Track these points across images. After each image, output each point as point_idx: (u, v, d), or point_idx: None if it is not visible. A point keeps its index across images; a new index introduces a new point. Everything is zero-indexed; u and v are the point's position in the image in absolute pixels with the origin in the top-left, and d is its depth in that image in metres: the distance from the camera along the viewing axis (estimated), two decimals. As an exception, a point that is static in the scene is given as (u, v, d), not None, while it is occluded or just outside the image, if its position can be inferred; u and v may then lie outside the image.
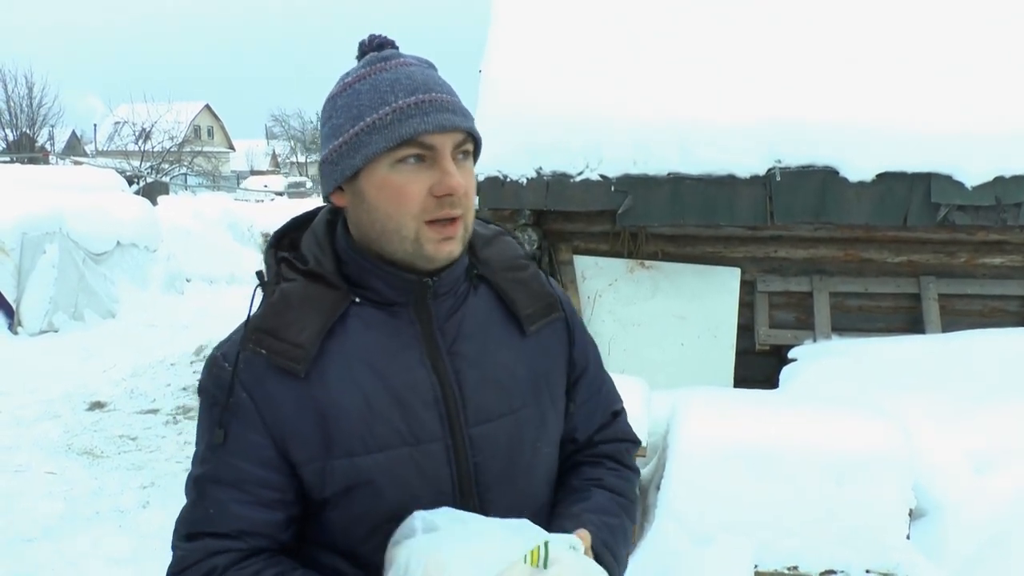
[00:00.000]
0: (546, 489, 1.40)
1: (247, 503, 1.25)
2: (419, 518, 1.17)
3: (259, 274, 1.32)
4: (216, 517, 1.26)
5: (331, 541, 1.29)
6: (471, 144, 1.26)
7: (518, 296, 1.37)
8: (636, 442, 1.55)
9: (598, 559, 1.26)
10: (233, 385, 1.25)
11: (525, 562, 1.10)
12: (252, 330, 1.26)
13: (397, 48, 1.29)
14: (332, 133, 1.26)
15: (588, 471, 1.45)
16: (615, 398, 1.55)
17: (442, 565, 1.08)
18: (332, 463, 1.24)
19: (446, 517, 1.17)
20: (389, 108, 1.20)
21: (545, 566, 1.11)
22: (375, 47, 1.28)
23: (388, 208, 1.22)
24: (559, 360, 1.42)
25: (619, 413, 1.54)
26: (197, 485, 1.29)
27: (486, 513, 1.27)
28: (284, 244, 1.35)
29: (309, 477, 1.25)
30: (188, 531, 1.28)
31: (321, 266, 1.29)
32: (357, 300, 1.28)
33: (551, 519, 1.36)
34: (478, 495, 1.28)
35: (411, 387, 1.26)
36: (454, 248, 1.25)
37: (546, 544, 1.12)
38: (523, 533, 1.14)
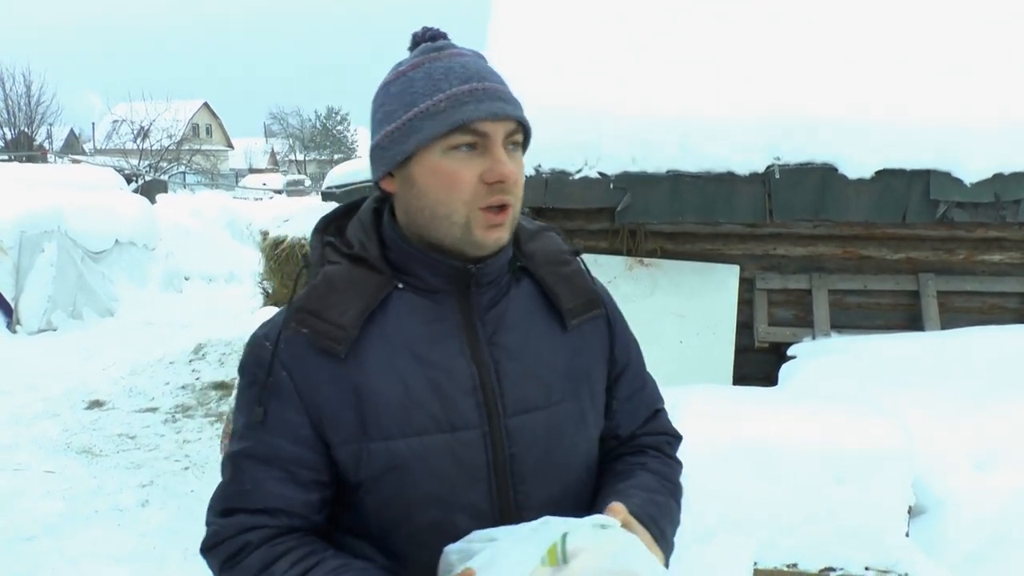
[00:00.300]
0: (586, 483, 1.39)
1: (283, 481, 1.26)
2: (453, 552, 1.17)
3: (304, 256, 1.35)
4: (252, 493, 1.26)
5: (362, 526, 1.30)
6: (521, 134, 1.28)
7: (561, 290, 1.37)
8: (678, 437, 1.56)
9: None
10: (273, 364, 1.26)
11: (544, 564, 1.08)
12: (295, 310, 1.27)
13: (449, 39, 1.31)
14: (384, 119, 1.27)
15: (631, 458, 1.45)
16: (657, 397, 1.56)
17: None
18: (368, 446, 1.24)
19: (478, 540, 1.16)
20: (443, 95, 1.21)
21: (565, 560, 1.08)
22: (428, 38, 1.30)
23: (439, 194, 1.24)
24: (600, 356, 1.42)
25: (660, 411, 1.55)
26: (234, 461, 1.29)
27: (522, 505, 1.28)
28: (330, 230, 1.37)
29: (344, 459, 1.26)
30: (223, 507, 1.29)
31: (366, 251, 1.31)
32: (400, 286, 1.30)
33: (596, 501, 1.35)
34: (514, 486, 1.28)
35: (450, 375, 1.27)
36: (502, 235, 1.27)
37: (564, 537, 1.09)
38: (542, 533, 1.12)
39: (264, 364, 1.27)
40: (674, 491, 1.45)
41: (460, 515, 1.25)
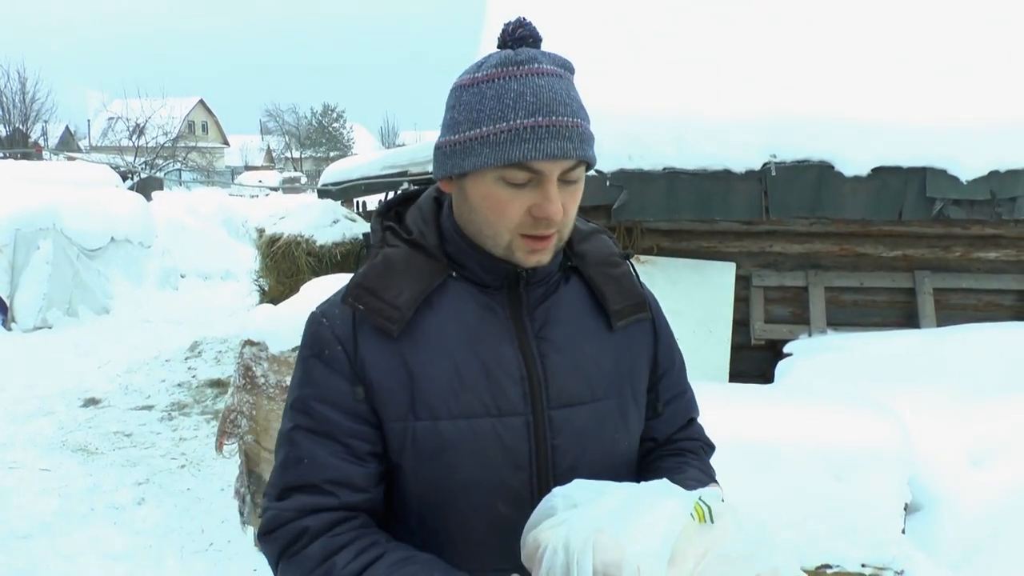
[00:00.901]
0: (625, 479, 1.39)
1: (340, 455, 1.27)
2: (558, 495, 1.16)
3: (365, 236, 1.40)
4: (309, 468, 1.27)
5: (403, 509, 1.32)
6: (583, 167, 1.27)
7: (608, 291, 1.40)
8: (712, 446, 1.59)
9: None
10: (329, 339, 1.30)
11: (693, 519, 1.08)
12: (354, 286, 1.31)
13: (539, 42, 1.29)
14: (450, 126, 1.28)
15: (672, 459, 1.48)
16: (695, 406, 1.59)
17: (613, 544, 1.05)
18: (415, 425, 1.27)
19: (583, 489, 1.16)
20: (506, 126, 1.21)
21: (712, 520, 1.09)
22: (516, 38, 1.27)
23: (487, 215, 1.27)
24: (643, 358, 1.45)
25: (695, 420, 1.59)
26: (290, 438, 1.30)
27: None
28: (390, 215, 1.41)
29: (391, 438, 1.28)
30: (281, 487, 1.29)
31: (424, 238, 1.34)
32: (454, 274, 1.33)
33: None
34: (554, 477, 1.30)
35: (499, 361, 1.30)
36: (543, 258, 1.30)
37: (702, 499, 1.11)
38: (674, 493, 1.12)
39: (320, 340, 1.31)
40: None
41: (501, 501, 1.27)
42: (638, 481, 1.41)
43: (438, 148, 1.30)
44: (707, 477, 1.44)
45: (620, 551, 1.04)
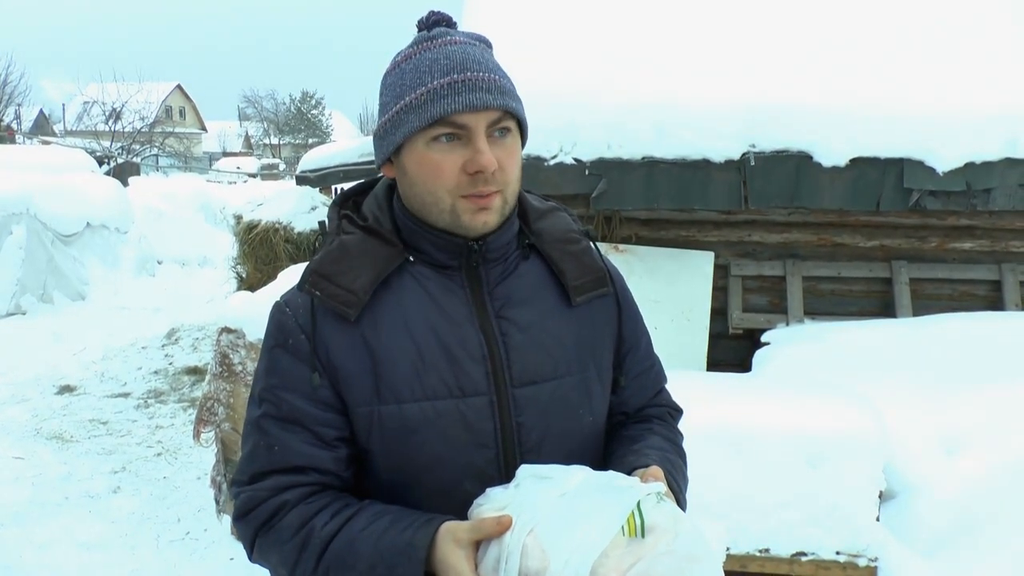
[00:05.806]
0: (592, 454, 1.42)
1: (310, 442, 1.29)
2: (495, 490, 1.19)
3: (321, 224, 1.41)
4: (281, 454, 1.30)
5: (373, 489, 1.33)
6: (511, 121, 1.30)
7: (567, 267, 1.42)
8: (680, 410, 1.62)
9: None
10: (292, 328, 1.32)
11: (623, 534, 1.08)
12: (310, 273, 1.32)
13: (452, 25, 1.34)
14: (381, 110, 1.33)
15: (637, 425, 1.51)
16: (663, 376, 1.61)
17: (540, 551, 1.07)
18: (380, 409, 1.29)
19: (525, 473, 1.19)
20: (425, 88, 1.25)
21: (643, 534, 1.09)
22: (431, 23, 1.33)
23: (426, 182, 1.29)
24: (607, 333, 1.46)
25: (664, 389, 1.61)
26: (258, 426, 1.32)
27: None
28: (348, 205, 1.43)
29: (358, 422, 1.30)
30: (253, 472, 1.31)
31: (379, 224, 1.36)
32: (411, 259, 1.35)
33: (610, 463, 1.39)
34: (520, 454, 1.32)
35: (460, 342, 1.31)
36: (489, 219, 1.30)
37: (639, 507, 1.10)
38: (613, 497, 1.12)
39: (284, 328, 1.33)
40: (681, 452, 1.50)
41: (468, 480, 1.28)
42: (603, 454, 1.45)
43: (375, 135, 1.35)
44: (669, 444, 1.46)
45: (544, 561, 1.06)
